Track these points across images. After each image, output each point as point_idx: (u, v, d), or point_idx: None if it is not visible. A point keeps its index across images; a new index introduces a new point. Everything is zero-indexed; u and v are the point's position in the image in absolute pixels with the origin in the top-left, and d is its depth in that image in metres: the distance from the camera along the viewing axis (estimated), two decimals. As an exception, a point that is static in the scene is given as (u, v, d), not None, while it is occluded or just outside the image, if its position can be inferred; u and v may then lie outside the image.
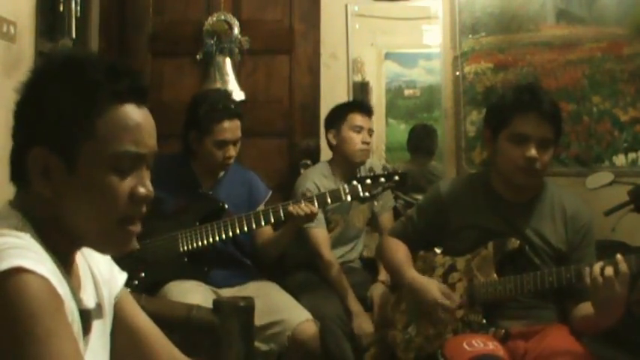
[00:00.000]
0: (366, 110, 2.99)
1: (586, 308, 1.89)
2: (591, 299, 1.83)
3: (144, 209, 1.05)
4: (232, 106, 2.64)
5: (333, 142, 2.97)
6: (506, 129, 2.04)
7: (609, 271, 1.75)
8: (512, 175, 2.05)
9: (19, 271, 0.88)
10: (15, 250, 0.91)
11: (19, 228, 0.97)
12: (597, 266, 1.78)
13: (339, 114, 2.98)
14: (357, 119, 2.93)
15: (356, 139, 2.90)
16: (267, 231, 2.69)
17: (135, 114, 1.02)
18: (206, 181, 2.71)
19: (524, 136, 2.00)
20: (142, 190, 1.03)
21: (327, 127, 3.02)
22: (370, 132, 2.96)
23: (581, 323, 1.98)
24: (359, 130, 2.91)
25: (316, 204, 2.45)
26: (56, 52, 1.34)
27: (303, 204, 2.43)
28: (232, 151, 2.63)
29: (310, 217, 2.45)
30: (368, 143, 2.93)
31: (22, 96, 1.03)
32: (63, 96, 0.99)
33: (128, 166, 1.01)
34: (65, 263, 1.03)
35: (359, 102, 3.14)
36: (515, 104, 2.04)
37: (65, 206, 1.00)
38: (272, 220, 2.46)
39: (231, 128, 2.60)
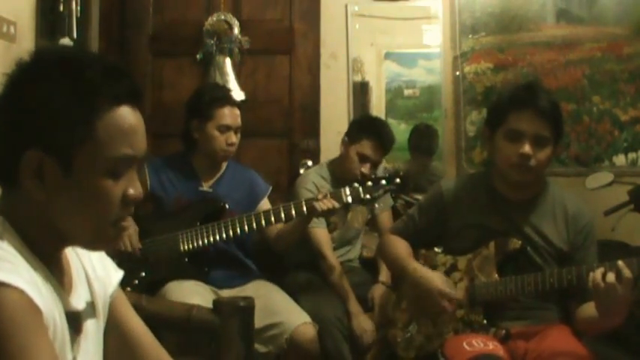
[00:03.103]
0: (385, 147, 2.87)
1: (589, 309, 1.89)
2: (594, 303, 1.82)
3: (132, 209, 1.05)
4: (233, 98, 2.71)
5: (343, 151, 2.93)
6: (502, 126, 2.04)
7: (611, 277, 1.74)
8: (507, 172, 2.05)
9: None
10: None
11: None
12: (599, 272, 1.76)
13: (358, 134, 2.85)
14: (368, 150, 2.82)
15: (360, 168, 2.81)
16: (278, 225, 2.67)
17: (131, 117, 1.01)
18: (206, 177, 2.71)
19: (519, 132, 1.99)
20: (133, 192, 1.03)
21: (346, 137, 2.93)
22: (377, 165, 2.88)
23: (585, 324, 1.97)
24: (366, 159, 2.82)
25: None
26: (48, 50, 1.30)
27: (322, 197, 2.40)
28: (234, 138, 2.65)
29: (330, 212, 2.43)
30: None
31: (9, 93, 0.98)
32: (61, 97, 0.96)
33: (123, 169, 1.01)
34: (51, 264, 1.02)
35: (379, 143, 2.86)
36: (511, 101, 2.04)
37: (57, 208, 0.99)
38: (273, 221, 2.46)
39: (232, 114, 2.65)
